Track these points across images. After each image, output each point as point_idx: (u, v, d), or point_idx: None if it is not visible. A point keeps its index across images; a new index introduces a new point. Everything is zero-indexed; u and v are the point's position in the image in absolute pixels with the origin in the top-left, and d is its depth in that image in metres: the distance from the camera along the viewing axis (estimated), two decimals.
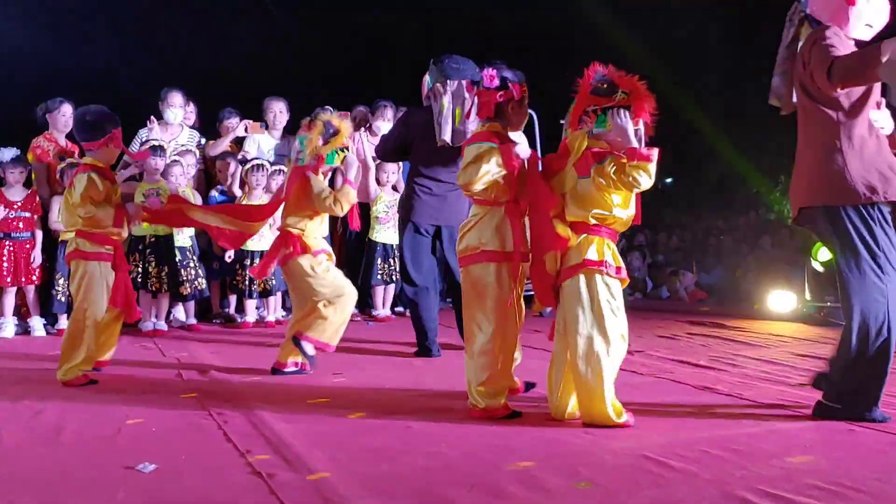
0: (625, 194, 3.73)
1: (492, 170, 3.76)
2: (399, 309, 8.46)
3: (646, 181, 3.65)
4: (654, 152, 3.66)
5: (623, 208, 3.75)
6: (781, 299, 7.84)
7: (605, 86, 3.76)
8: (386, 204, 7.79)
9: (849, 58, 3.48)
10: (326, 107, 7.41)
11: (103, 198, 4.76)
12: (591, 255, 3.69)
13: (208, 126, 8.33)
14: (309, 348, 4.98)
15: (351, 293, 5.07)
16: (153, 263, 6.95)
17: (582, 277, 3.69)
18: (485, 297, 3.85)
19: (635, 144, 3.68)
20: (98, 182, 4.72)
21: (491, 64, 3.97)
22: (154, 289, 7.01)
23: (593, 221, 3.73)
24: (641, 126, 3.74)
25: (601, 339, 3.65)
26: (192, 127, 8.14)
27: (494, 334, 3.84)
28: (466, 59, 5.63)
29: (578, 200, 3.74)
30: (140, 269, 6.92)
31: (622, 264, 3.79)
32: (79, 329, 4.78)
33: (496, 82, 3.93)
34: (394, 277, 7.84)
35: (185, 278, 7.21)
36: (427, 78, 5.73)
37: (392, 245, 7.82)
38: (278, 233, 5.16)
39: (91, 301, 4.76)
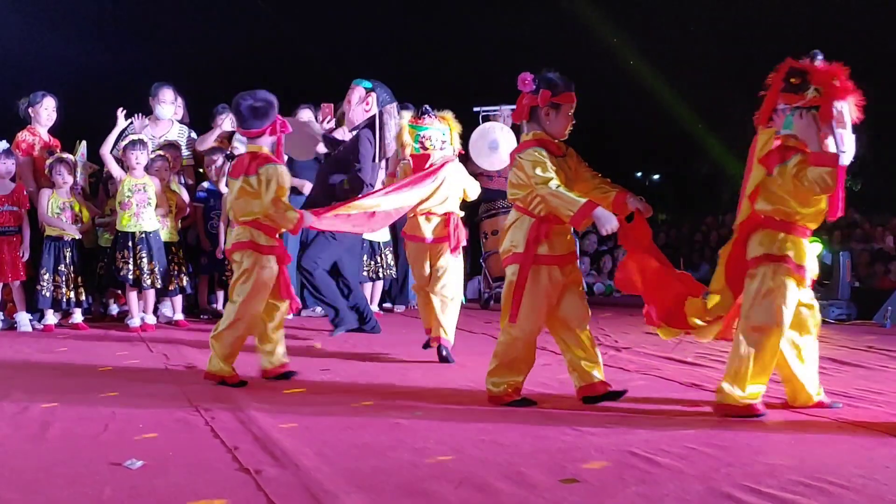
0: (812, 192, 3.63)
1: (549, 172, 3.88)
2: (387, 305, 8.46)
3: (825, 185, 3.54)
4: (842, 156, 3.52)
5: (810, 206, 3.69)
6: None
7: (796, 82, 3.63)
8: None
9: None
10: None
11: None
12: (773, 249, 3.68)
13: (203, 122, 8.30)
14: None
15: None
16: (145, 259, 6.92)
17: (762, 270, 3.69)
18: (511, 294, 4.00)
19: (818, 148, 3.56)
20: (286, 176, 4.66)
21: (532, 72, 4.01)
22: (147, 285, 6.98)
23: (778, 217, 3.70)
24: (838, 125, 3.56)
25: (755, 331, 3.69)
26: (181, 122, 8.11)
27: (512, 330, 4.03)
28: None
29: (765, 195, 3.73)
30: (130, 266, 6.87)
31: (805, 263, 3.73)
32: (250, 321, 4.64)
33: (530, 86, 3.96)
34: (381, 274, 7.84)
35: (171, 273, 7.19)
36: (374, 94, 6.16)
37: (379, 242, 7.82)
38: None
39: (254, 294, 4.57)
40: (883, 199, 13.55)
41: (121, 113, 7.26)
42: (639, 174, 23.14)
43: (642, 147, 17.85)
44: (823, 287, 7.77)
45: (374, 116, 6.14)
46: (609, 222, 3.77)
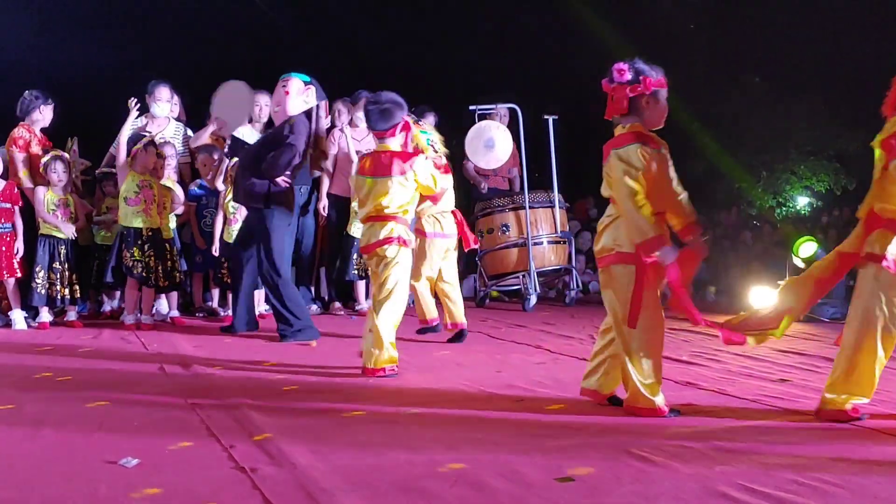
0: None
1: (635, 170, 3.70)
2: None
3: None
4: None
5: None
6: (762, 295, 7.87)
7: None
8: None
9: None
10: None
11: None
12: (877, 248, 3.58)
13: (200, 120, 8.28)
14: None
15: None
16: (152, 258, 6.89)
17: (869, 269, 3.61)
18: (616, 296, 3.81)
19: None
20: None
21: (625, 61, 3.80)
22: (154, 284, 6.96)
23: (888, 215, 3.60)
24: None
25: (864, 333, 3.61)
26: (177, 119, 8.11)
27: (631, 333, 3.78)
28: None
29: (879, 189, 3.65)
30: (142, 265, 6.84)
31: None
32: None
33: (627, 76, 3.76)
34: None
35: (167, 269, 7.17)
36: (312, 87, 6.29)
37: None
38: None
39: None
40: None
41: (133, 104, 7.23)
42: None
43: None
44: None
45: (311, 108, 6.20)
46: (667, 260, 3.66)
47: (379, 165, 4.89)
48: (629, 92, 3.75)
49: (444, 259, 6.16)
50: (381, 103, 4.90)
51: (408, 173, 4.87)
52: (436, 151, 5.77)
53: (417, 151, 5.05)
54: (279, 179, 6.20)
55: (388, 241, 4.87)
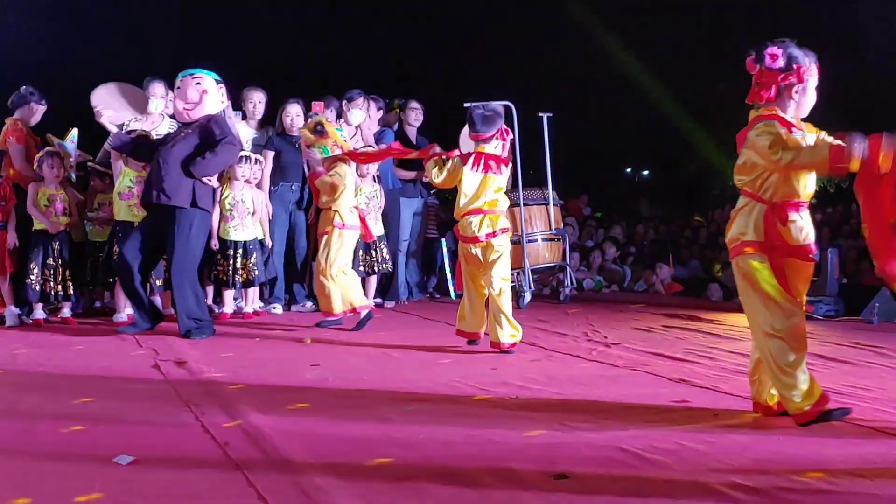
0: None
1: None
2: (378, 300, 8.45)
3: None
4: None
5: None
6: None
7: None
8: (367, 195, 7.76)
9: None
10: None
11: None
12: None
13: None
14: None
15: None
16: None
17: None
18: (751, 290, 3.59)
19: None
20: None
21: (776, 42, 3.55)
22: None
23: None
24: None
25: None
26: (172, 117, 8.08)
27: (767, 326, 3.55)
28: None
29: None
30: None
31: None
32: None
33: (780, 63, 3.52)
34: (375, 269, 7.83)
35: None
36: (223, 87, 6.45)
37: (375, 236, 7.82)
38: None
39: None
40: None
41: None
42: (629, 169, 23.20)
43: (632, 142, 17.89)
44: (811, 284, 7.79)
45: (224, 108, 6.37)
46: (864, 152, 3.30)
47: (488, 164, 5.44)
48: (780, 80, 3.54)
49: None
50: (486, 110, 5.53)
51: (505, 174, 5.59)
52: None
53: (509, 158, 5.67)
54: (206, 179, 6.21)
55: (504, 230, 5.53)
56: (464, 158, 5.51)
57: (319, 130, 6.43)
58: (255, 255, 7.37)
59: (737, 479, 2.74)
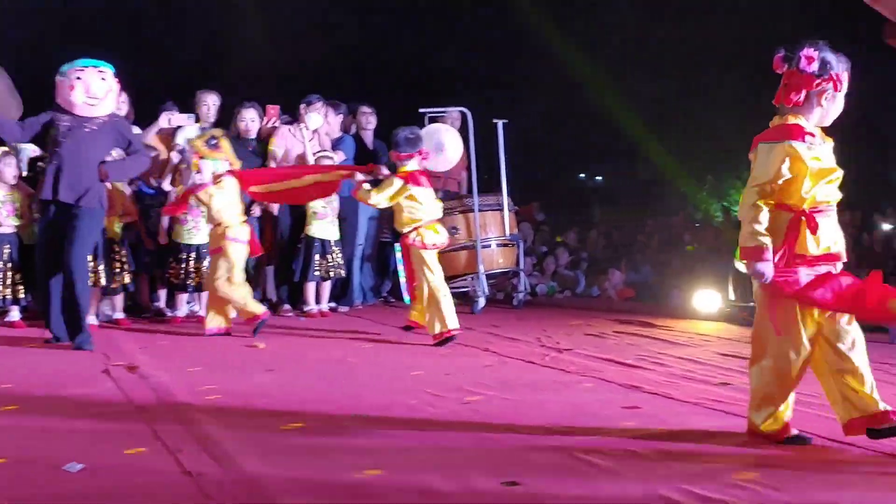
0: None
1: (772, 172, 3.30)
2: (332, 304, 8.43)
3: None
4: None
5: None
6: (706, 299, 8.01)
7: None
8: (323, 199, 7.75)
9: None
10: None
11: None
12: None
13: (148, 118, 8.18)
14: None
15: None
16: (96, 259, 6.79)
17: None
18: (761, 304, 3.50)
19: None
20: None
21: (811, 44, 3.35)
22: (91, 283, 6.86)
23: None
24: None
25: None
26: (126, 118, 7.99)
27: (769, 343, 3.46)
28: None
29: None
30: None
31: None
32: None
33: (814, 66, 3.32)
34: (331, 273, 7.81)
35: (113, 271, 7.08)
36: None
37: (330, 241, 7.80)
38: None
39: None
40: None
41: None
42: (582, 175, 23.38)
43: (586, 148, 18.03)
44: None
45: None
46: (762, 278, 3.35)
47: (428, 179, 6.33)
48: (813, 85, 3.35)
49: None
50: (411, 133, 6.29)
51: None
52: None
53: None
54: (108, 181, 6.13)
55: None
56: (408, 178, 6.13)
57: (213, 144, 6.44)
58: (208, 258, 7.31)
59: (685, 485, 2.79)
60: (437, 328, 6.08)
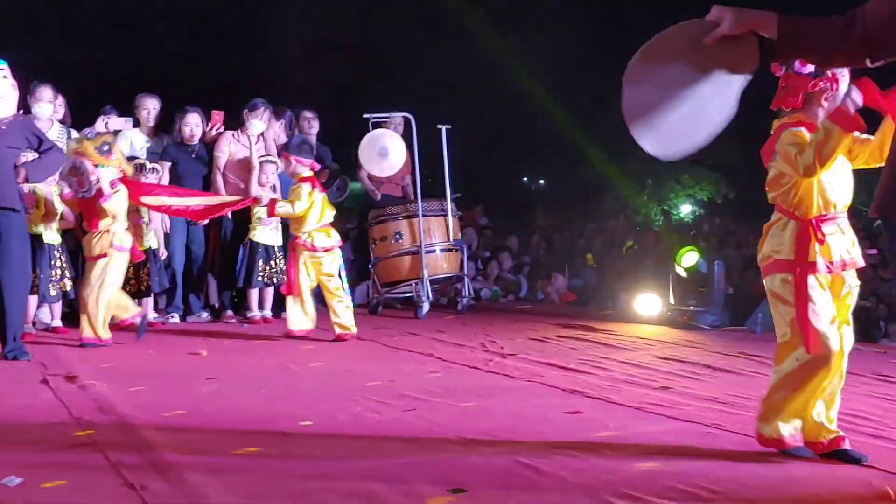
0: None
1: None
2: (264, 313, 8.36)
3: None
4: None
5: None
6: (647, 303, 8.13)
7: None
8: None
9: None
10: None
11: None
12: None
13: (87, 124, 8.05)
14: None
15: None
16: (31, 265, 6.64)
17: None
18: (782, 304, 3.34)
19: None
20: None
21: None
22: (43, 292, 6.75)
23: None
24: None
25: None
26: (61, 122, 7.87)
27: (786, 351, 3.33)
28: None
29: None
30: None
31: None
32: None
33: (810, 67, 3.26)
34: (275, 280, 7.76)
35: (51, 278, 6.96)
36: None
37: (274, 246, 7.76)
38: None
39: None
40: (756, 206, 14.12)
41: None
42: (525, 179, 23.56)
43: (528, 153, 18.18)
44: (699, 294, 8.09)
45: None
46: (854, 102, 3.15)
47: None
48: (810, 87, 3.29)
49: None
50: (305, 142, 6.82)
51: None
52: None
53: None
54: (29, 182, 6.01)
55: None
56: (313, 182, 6.61)
57: (106, 150, 6.26)
58: (148, 264, 7.24)
59: (626, 490, 2.83)
60: (301, 326, 6.66)
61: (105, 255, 6.26)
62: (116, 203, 6.29)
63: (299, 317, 6.70)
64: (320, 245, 6.60)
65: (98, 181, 6.17)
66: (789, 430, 3.33)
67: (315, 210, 6.56)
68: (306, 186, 6.52)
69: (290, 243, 6.74)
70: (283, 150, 6.91)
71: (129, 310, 6.45)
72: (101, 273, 6.25)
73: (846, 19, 2.49)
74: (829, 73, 3.27)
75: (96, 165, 6.19)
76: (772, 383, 3.38)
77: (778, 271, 3.34)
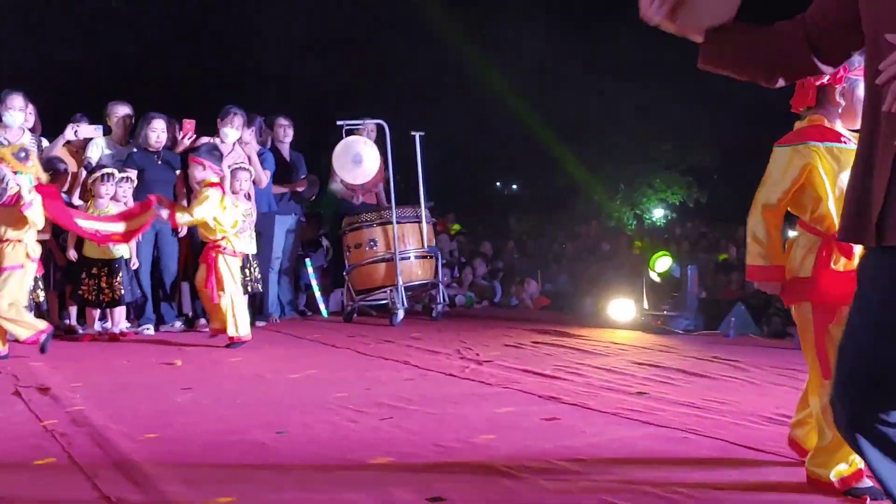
0: None
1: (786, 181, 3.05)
2: None
3: None
4: None
5: None
6: (621, 308, 8.17)
7: None
8: (242, 213, 7.66)
9: None
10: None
11: None
12: None
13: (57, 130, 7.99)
14: None
15: None
16: None
17: None
18: (805, 331, 3.13)
19: None
20: None
21: None
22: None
23: None
24: None
25: None
26: (31, 130, 7.80)
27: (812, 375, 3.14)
28: None
29: None
30: None
31: None
32: None
33: None
34: (249, 288, 7.71)
35: None
36: None
37: (249, 255, 7.72)
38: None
39: None
40: (728, 210, 14.25)
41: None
42: (498, 184, 23.62)
43: (502, 158, 18.23)
44: (672, 299, 8.15)
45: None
46: (774, 293, 3.17)
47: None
48: (815, 81, 3.11)
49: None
50: (215, 150, 6.88)
51: None
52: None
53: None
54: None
55: None
56: (222, 188, 6.71)
57: (24, 157, 6.05)
58: (120, 273, 7.19)
59: (604, 496, 2.85)
60: (239, 332, 6.64)
61: (22, 266, 6.01)
62: (38, 211, 6.03)
63: (240, 321, 6.69)
64: (239, 250, 6.85)
65: (18, 186, 5.93)
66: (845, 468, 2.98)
67: (229, 215, 6.68)
68: (215, 192, 6.56)
69: (207, 251, 6.67)
70: (195, 156, 6.88)
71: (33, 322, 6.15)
72: (9, 284, 5.95)
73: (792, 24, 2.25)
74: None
75: (15, 172, 5.97)
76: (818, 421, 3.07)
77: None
